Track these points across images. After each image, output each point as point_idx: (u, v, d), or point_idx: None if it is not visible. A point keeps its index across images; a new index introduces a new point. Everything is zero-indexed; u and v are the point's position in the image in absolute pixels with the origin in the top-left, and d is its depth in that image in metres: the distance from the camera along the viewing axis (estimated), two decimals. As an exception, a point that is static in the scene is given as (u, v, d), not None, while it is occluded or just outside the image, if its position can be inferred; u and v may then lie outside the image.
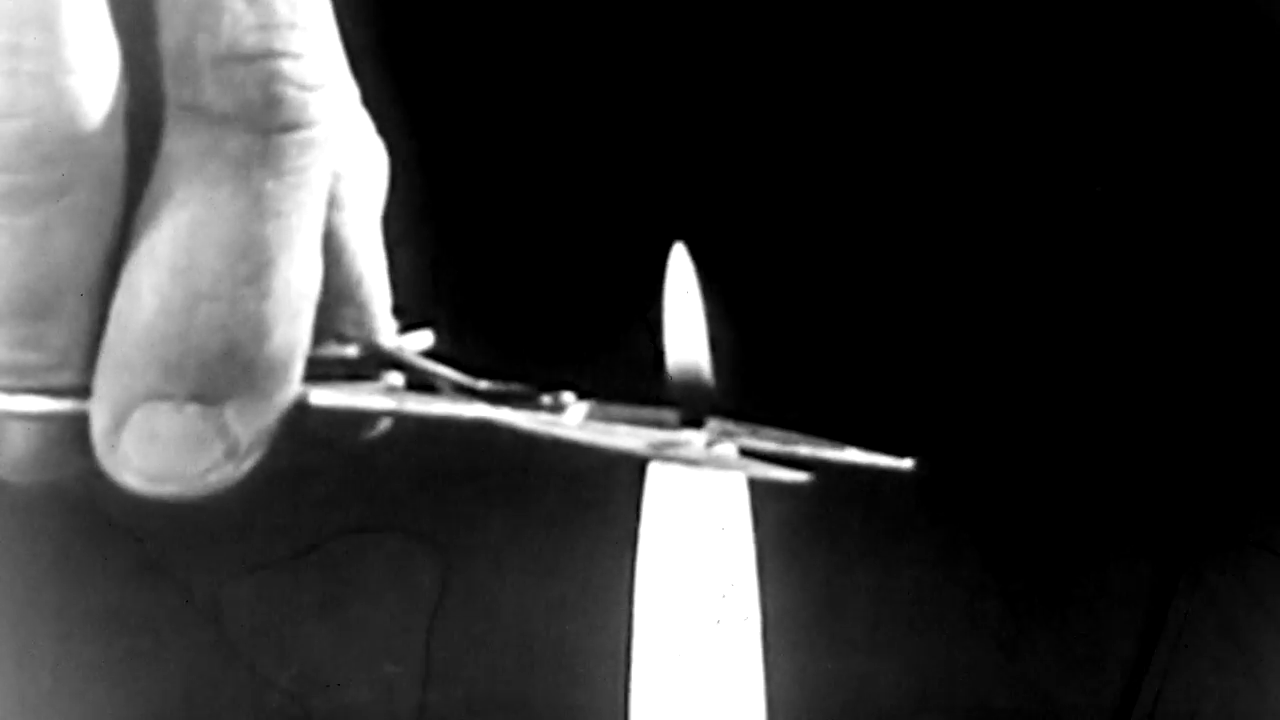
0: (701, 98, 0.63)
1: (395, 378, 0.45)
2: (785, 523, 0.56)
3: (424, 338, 0.47)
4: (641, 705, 0.50)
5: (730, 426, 0.44)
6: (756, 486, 0.49)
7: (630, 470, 0.49)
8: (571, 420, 0.44)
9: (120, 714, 0.66)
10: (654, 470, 0.48)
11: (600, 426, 0.44)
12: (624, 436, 0.44)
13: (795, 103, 0.64)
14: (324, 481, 0.65)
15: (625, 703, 0.50)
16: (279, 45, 0.42)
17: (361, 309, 0.46)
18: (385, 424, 0.47)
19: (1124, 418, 0.65)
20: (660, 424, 0.44)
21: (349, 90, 0.46)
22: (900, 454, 0.45)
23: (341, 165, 0.45)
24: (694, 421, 0.44)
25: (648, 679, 0.50)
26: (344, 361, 0.45)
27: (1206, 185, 0.65)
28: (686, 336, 0.45)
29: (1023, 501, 0.65)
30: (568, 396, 0.45)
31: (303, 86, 0.42)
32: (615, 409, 0.45)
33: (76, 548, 0.67)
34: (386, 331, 0.46)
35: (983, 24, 0.64)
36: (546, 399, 0.44)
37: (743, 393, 0.46)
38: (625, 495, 0.50)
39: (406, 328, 0.47)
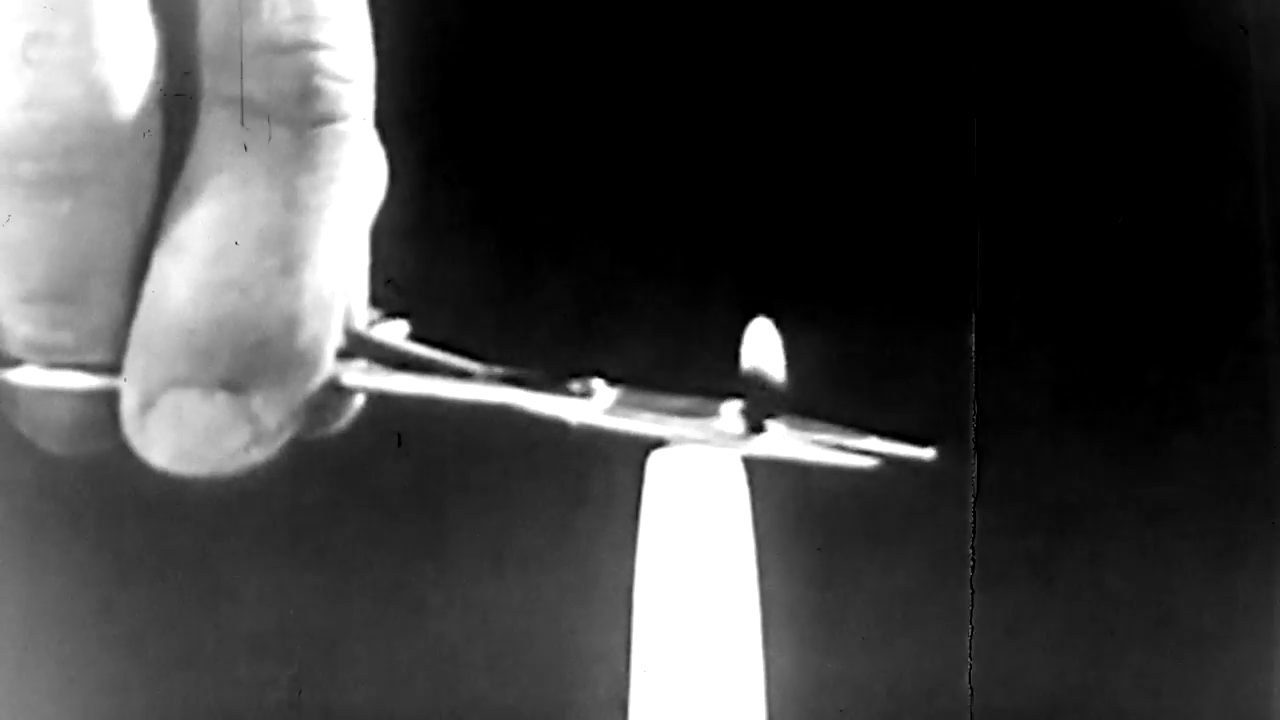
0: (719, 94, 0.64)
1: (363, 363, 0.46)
2: (786, 520, 0.56)
3: (400, 328, 0.47)
4: (641, 705, 0.50)
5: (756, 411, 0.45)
6: (756, 483, 0.49)
7: (631, 468, 0.49)
8: (599, 406, 0.45)
9: (120, 713, 0.66)
10: (653, 466, 0.49)
11: (626, 412, 0.44)
12: (649, 423, 0.44)
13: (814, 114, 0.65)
14: (323, 480, 0.65)
15: (624, 702, 0.50)
16: (316, 37, 0.42)
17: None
18: (353, 411, 0.47)
19: (1122, 416, 0.66)
20: (689, 411, 0.45)
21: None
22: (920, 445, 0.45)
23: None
24: (758, 425, 0.45)
25: (647, 678, 0.50)
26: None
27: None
28: (760, 343, 0.46)
29: (1026, 499, 0.65)
30: (596, 382, 0.45)
31: (338, 79, 0.42)
32: (643, 395, 0.45)
33: (78, 546, 0.67)
34: (361, 321, 0.47)
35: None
36: (575, 385, 0.45)
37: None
38: (626, 494, 0.50)
39: (384, 318, 0.48)
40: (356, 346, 0.46)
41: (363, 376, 0.45)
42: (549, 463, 0.62)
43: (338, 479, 0.66)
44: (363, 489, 0.66)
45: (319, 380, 0.44)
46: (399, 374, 0.45)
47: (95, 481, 0.64)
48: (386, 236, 0.47)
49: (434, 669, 0.66)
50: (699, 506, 0.50)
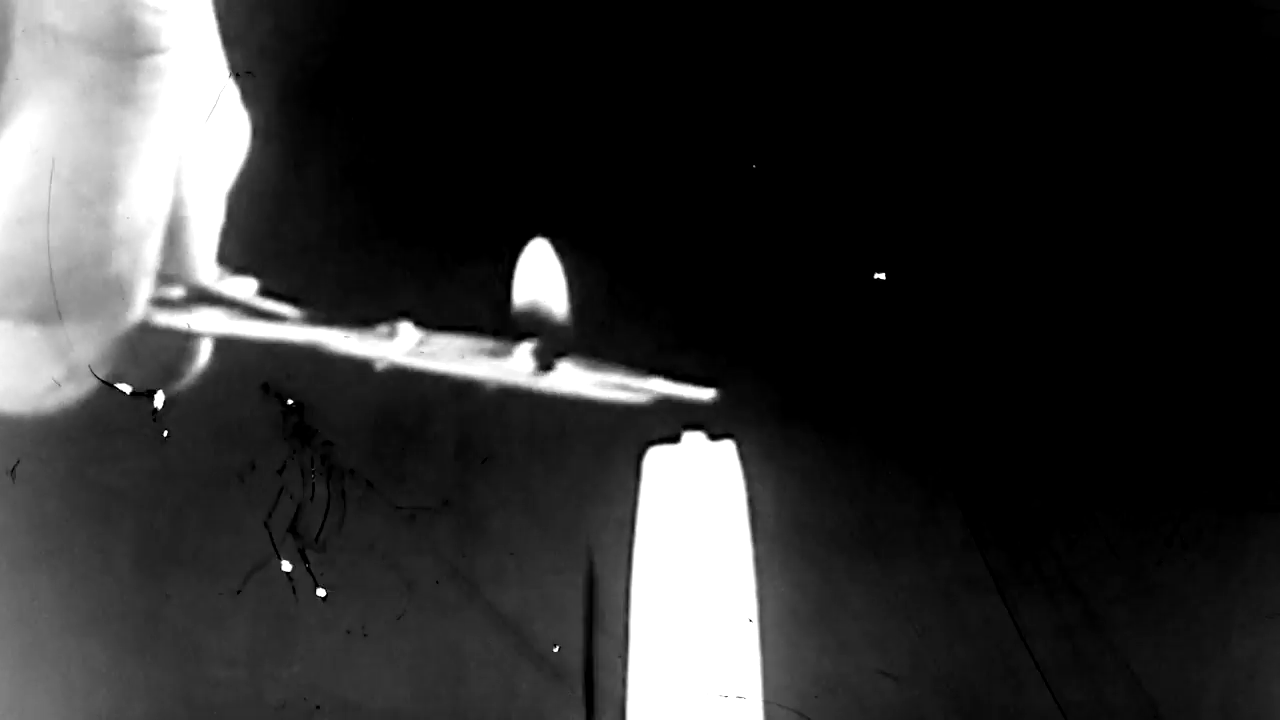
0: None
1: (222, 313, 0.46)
2: (783, 520, 0.55)
3: (247, 284, 0.47)
4: (638, 702, 0.50)
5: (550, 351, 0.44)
6: (755, 486, 0.48)
7: (629, 469, 0.48)
8: (402, 347, 0.44)
9: (120, 712, 0.66)
10: (651, 467, 0.48)
11: (429, 352, 0.44)
12: (452, 361, 0.44)
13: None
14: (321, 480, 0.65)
15: (623, 699, 0.50)
16: None
17: (181, 250, 0.46)
18: (201, 363, 0.47)
19: (1119, 411, 0.63)
20: (486, 351, 0.44)
21: (217, 57, 0.46)
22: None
23: (191, 113, 0.45)
24: (546, 363, 0.44)
25: (644, 674, 0.50)
26: (167, 300, 0.45)
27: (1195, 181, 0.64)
28: (540, 285, 0.46)
29: (1025, 498, 0.63)
30: (403, 324, 0.45)
31: (154, 10, 0.42)
32: (445, 337, 0.45)
33: (79, 547, 0.68)
34: (208, 275, 0.46)
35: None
36: (383, 327, 0.45)
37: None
38: (623, 494, 0.49)
39: (232, 274, 0.47)
40: (200, 298, 0.46)
41: (174, 317, 0.45)
42: (549, 463, 0.62)
43: (337, 477, 0.66)
44: (362, 489, 0.66)
45: (133, 313, 0.44)
46: (207, 312, 0.45)
47: (86, 477, 0.65)
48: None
49: (434, 668, 0.66)
50: (695, 504, 0.49)
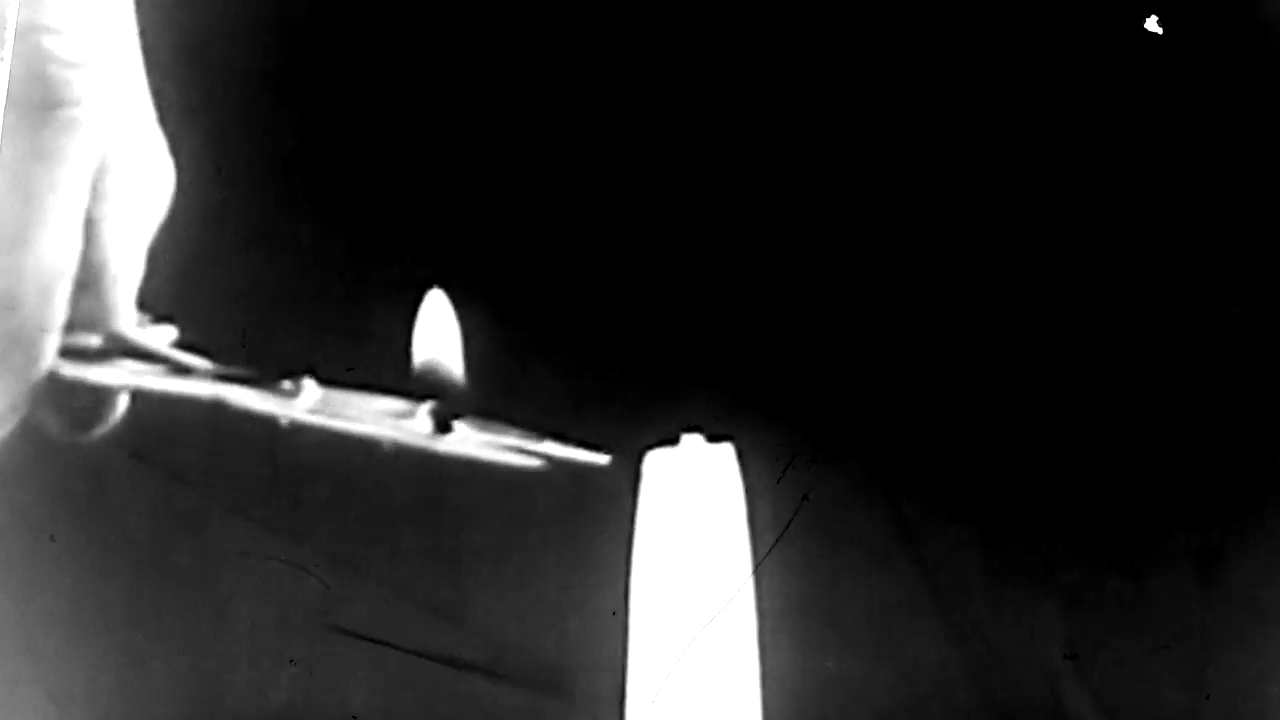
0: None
1: (135, 365, 0.47)
2: (780, 524, 0.56)
3: (167, 332, 0.48)
4: (637, 703, 0.51)
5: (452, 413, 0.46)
6: (753, 489, 0.50)
7: (629, 472, 0.50)
8: (304, 404, 0.46)
9: (121, 712, 0.66)
10: (649, 466, 0.50)
11: (329, 411, 0.46)
12: (352, 420, 0.46)
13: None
14: (324, 485, 0.65)
15: (621, 700, 0.51)
16: (44, 20, 0.43)
17: (99, 299, 0.47)
18: (119, 412, 0.48)
19: (1119, 416, 0.65)
20: (387, 411, 0.46)
21: (142, 104, 0.47)
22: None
23: (110, 159, 0.46)
24: (444, 425, 0.46)
25: (644, 677, 0.51)
26: (85, 351, 0.46)
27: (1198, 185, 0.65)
28: (438, 344, 0.47)
29: (1023, 502, 0.64)
30: (307, 381, 0.46)
31: (66, 64, 0.43)
32: (347, 395, 0.46)
33: (80, 545, 0.67)
34: (128, 323, 0.47)
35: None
36: (286, 384, 0.46)
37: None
38: (624, 496, 0.51)
39: (153, 322, 0.48)
40: (117, 347, 0.47)
41: (78, 368, 0.46)
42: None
43: (340, 481, 0.66)
44: (364, 492, 0.66)
45: (40, 365, 0.45)
46: (124, 362, 0.46)
47: (98, 481, 0.65)
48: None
49: (435, 669, 0.65)
50: (694, 506, 0.51)
